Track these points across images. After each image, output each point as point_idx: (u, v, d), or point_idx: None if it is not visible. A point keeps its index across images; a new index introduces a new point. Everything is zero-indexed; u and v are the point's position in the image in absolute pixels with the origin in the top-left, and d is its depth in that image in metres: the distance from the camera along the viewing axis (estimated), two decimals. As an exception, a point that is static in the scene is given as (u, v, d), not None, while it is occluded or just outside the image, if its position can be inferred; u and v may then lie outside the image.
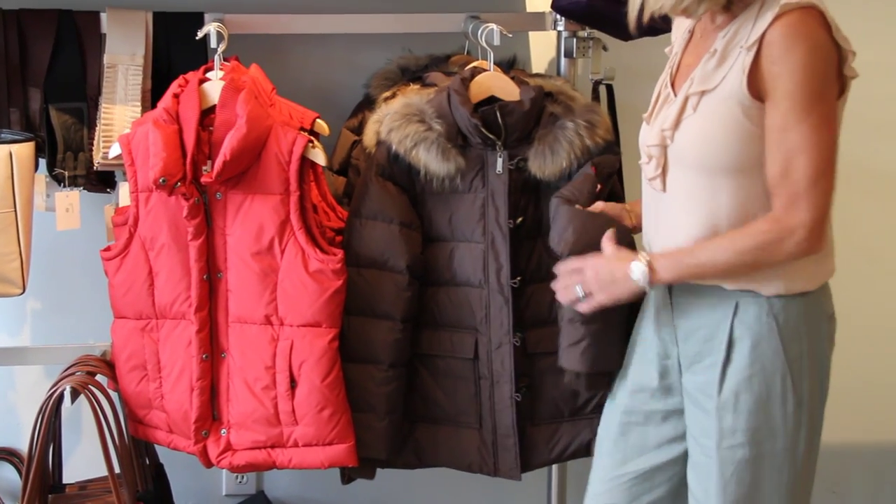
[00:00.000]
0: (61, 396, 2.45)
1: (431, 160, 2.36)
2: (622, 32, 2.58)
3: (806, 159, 1.91)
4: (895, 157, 3.21)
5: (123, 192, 2.48)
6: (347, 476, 2.55)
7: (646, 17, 2.04)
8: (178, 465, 2.74)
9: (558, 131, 2.38)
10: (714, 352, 2.07)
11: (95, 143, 2.56)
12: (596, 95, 2.75)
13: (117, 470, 2.48)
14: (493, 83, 2.46)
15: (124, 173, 2.43)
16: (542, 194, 2.43)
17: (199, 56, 2.59)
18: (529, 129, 2.40)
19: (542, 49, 2.97)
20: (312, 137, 2.38)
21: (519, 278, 2.42)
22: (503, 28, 2.49)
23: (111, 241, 2.54)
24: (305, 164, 2.36)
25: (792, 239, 1.94)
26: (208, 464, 2.47)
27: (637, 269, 2.05)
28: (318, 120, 2.45)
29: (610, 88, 2.77)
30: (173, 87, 2.43)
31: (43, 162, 2.62)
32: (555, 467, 2.90)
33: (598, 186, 2.32)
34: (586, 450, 2.50)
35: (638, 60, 2.70)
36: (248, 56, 2.57)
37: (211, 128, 2.38)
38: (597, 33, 2.73)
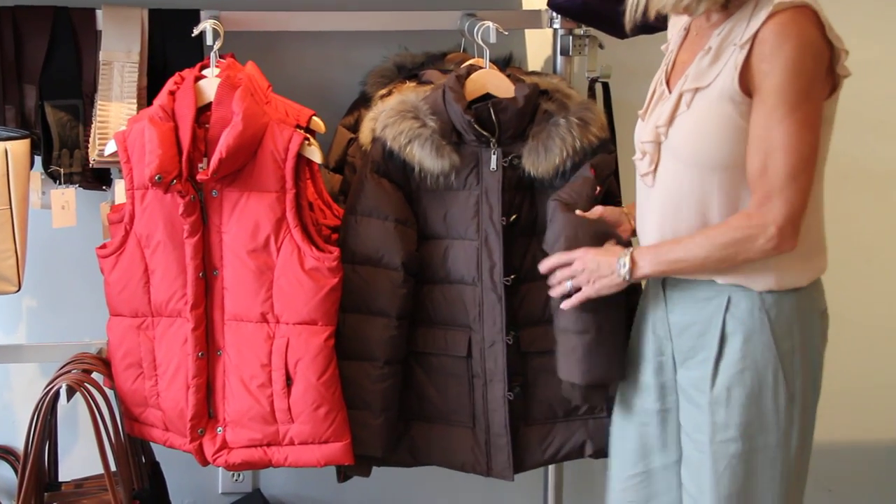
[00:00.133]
0: (57, 394, 2.45)
1: (426, 157, 2.36)
2: (618, 30, 2.58)
3: (784, 157, 1.93)
4: (893, 155, 3.21)
5: (119, 190, 2.48)
6: (343, 474, 2.54)
7: (651, 15, 2.07)
8: (174, 463, 2.74)
9: (552, 128, 2.38)
10: (707, 347, 2.09)
11: (91, 140, 2.56)
12: (592, 93, 2.76)
13: (113, 468, 2.48)
14: (488, 80, 2.46)
15: (120, 171, 2.43)
16: (536, 192, 2.43)
17: (194, 53, 2.59)
18: (524, 126, 2.40)
19: (539, 47, 2.98)
20: (308, 135, 2.38)
21: (513, 276, 2.42)
22: (499, 26, 2.48)
23: (107, 238, 2.54)
24: (301, 161, 2.36)
25: (764, 235, 1.96)
26: (204, 462, 2.47)
27: (621, 263, 2.08)
28: (314, 117, 2.44)
29: (606, 86, 2.77)
30: (169, 85, 2.42)
31: (38, 159, 2.62)
32: (551, 466, 2.90)
33: (598, 189, 2.32)
34: (580, 451, 2.50)
35: (634, 58, 2.71)
36: (244, 53, 2.57)
37: (207, 125, 2.38)
38: (593, 31, 2.73)
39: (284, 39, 2.85)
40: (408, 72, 2.67)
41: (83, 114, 2.61)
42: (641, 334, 2.24)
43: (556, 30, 2.78)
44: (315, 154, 2.38)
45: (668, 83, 2.12)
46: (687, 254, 2.04)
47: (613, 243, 2.19)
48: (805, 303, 2.07)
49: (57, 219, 2.62)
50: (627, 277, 2.09)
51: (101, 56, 2.58)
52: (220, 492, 3.11)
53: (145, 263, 2.42)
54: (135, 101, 2.57)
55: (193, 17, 2.60)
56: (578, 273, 2.15)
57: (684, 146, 2.04)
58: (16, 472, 2.87)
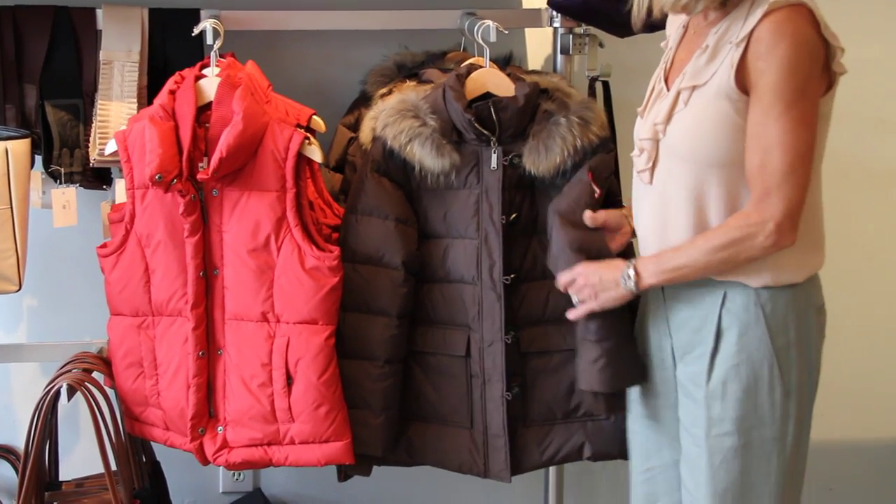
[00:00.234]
0: (58, 393, 2.45)
1: (426, 156, 2.36)
2: (618, 29, 2.60)
3: (780, 154, 1.94)
4: (892, 154, 3.21)
5: (120, 189, 2.48)
6: (344, 473, 2.54)
7: (656, 12, 2.08)
8: (174, 463, 2.74)
9: (552, 127, 2.37)
10: (703, 342, 2.10)
11: (91, 139, 2.56)
12: (592, 92, 2.76)
13: (114, 467, 2.48)
14: (488, 79, 2.46)
15: (120, 170, 2.43)
16: (537, 191, 2.43)
17: (195, 52, 2.59)
18: (524, 125, 2.40)
19: (539, 46, 2.98)
20: (309, 134, 2.38)
21: (512, 275, 2.42)
22: (499, 25, 2.48)
23: (107, 237, 2.54)
24: (302, 160, 2.36)
25: (763, 233, 1.97)
26: (205, 461, 2.47)
27: (625, 276, 2.10)
28: (314, 117, 2.44)
29: (606, 85, 2.77)
30: (169, 84, 2.42)
31: (39, 159, 2.62)
32: (552, 466, 2.90)
33: (597, 192, 2.32)
34: (578, 454, 2.49)
35: (634, 57, 2.71)
36: (244, 53, 2.57)
37: (207, 124, 2.38)
38: (593, 30, 2.73)
39: (284, 38, 2.85)
40: (408, 71, 2.67)
41: (83, 113, 2.61)
42: (643, 332, 2.25)
43: (556, 28, 2.78)
44: (315, 153, 2.38)
45: (666, 81, 2.13)
46: (689, 259, 2.04)
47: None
48: (801, 298, 2.08)
49: (57, 218, 2.62)
50: (634, 290, 2.11)
51: (102, 55, 2.58)
52: (220, 491, 3.11)
53: (146, 263, 2.42)
54: (135, 100, 2.57)
55: (194, 16, 2.60)
56: (581, 289, 2.17)
57: (682, 143, 2.05)
58: (16, 471, 2.87)
